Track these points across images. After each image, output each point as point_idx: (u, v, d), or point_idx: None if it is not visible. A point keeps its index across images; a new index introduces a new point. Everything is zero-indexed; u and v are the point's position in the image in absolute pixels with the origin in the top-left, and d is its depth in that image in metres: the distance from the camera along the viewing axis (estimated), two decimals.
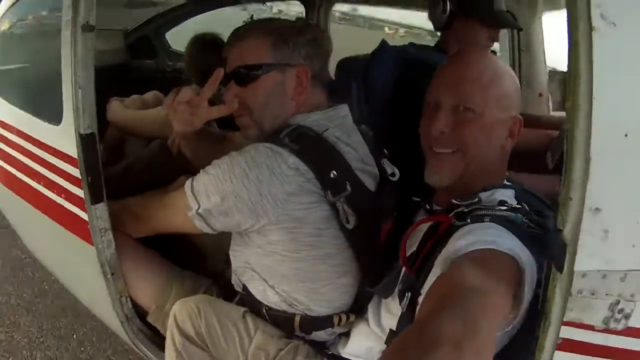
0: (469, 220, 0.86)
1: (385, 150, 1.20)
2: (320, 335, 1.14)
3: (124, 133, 2.06)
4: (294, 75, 1.05)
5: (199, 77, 1.98)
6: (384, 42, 1.58)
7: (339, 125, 1.07)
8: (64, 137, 1.14)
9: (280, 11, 3.01)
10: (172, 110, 1.08)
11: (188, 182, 1.04)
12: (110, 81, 2.32)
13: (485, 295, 0.65)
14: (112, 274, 1.21)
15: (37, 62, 1.38)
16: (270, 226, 1.01)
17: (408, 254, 0.97)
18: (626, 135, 0.60)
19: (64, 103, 1.11)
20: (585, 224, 0.63)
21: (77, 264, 1.30)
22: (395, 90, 1.52)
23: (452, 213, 0.91)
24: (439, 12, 1.46)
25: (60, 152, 1.18)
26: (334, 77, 1.70)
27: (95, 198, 1.14)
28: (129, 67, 2.83)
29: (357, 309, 1.14)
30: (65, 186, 1.20)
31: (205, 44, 1.98)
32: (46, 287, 2.05)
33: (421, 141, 0.99)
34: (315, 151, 1.00)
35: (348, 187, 1.00)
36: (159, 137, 1.80)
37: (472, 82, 0.91)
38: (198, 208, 1.00)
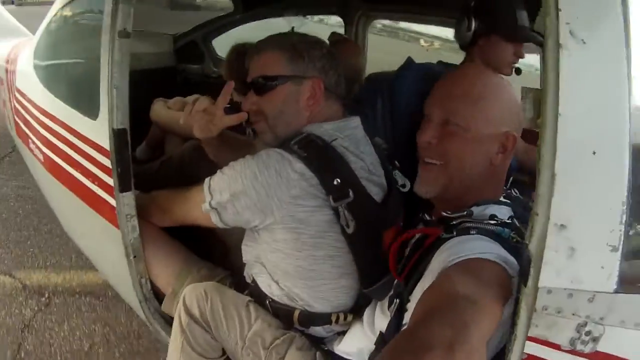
0: (454, 233, 0.88)
1: (396, 162, 1.24)
2: (318, 331, 1.20)
3: (165, 132, 2.23)
4: (308, 87, 1.13)
5: (236, 84, 2.08)
6: (409, 60, 1.61)
7: (349, 136, 1.13)
8: (99, 130, 1.28)
9: (321, 20, 3.09)
10: (191, 118, 1.18)
11: (207, 180, 1.14)
12: (158, 82, 2.52)
13: (475, 302, 0.67)
14: (135, 256, 1.32)
15: (82, 60, 1.54)
16: (275, 225, 1.08)
17: (399, 262, 1.00)
18: (594, 153, 0.59)
19: (100, 100, 1.25)
20: (550, 240, 0.63)
21: (104, 245, 1.43)
22: (419, 106, 1.53)
23: (442, 226, 0.93)
24: (464, 30, 1.47)
25: (96, 143, 1.31)
26: (363, 90, 1.75)
27: (123, 187, 1.27)
28: (177, 70, 3.02)
29: (357, 310, 1.18)
30: (98, 174, 1.34)
31: (244, 53, 2.08)
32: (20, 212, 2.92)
33: (417, 151, 1.03)
34: (321, 159, 1.06)
35: (351, 194, 1.06)
36: (195, 138, 1.94)
37: (460, 97, 0.94)
38: (211, 202, 1.10)
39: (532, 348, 0.68)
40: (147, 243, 1.35)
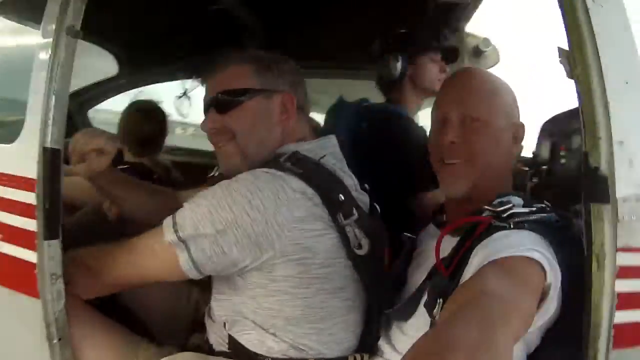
0: (511, 225, 0.84)
1: (366, 185, 1.21)
2: None
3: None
4: (279, 102, 1.02)
5: (135, 145, 1.84)
6: (341, 99, 1.69)
7: (333, 154, 1.05)
8: (17, 156, 0.92)
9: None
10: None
11: (168, 220, 0.91)
12: None
13: (507, 303, 0.65)
14: (60, 339, 0.90)
15: None
16: (274, 260, 0.90)
17: (441, 257, 0.90)
18: (627, 83, 0.78)
19: (26, 113, 0.92)
20: (614, 155, 0.76)
21: (11, 329, 0.93)
22: (357, 141, 1.53)
23: (488, 215, 0.88)
24: (391, 67, 1.57)
25: (9, 175, 0.93)
26: None
27: (50, 232, 0.90)
28: None
29: (368, 349, 1.02)
30: (6, 222, 0.92)
31: (145, 110, 1.89)
32: None
33: (431, 157, 1.02)
34: (319, 175, 0.95)
35: (354, 211, 0.96)
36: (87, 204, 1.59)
37: (476, 93, 0.96)
38: (179, 235, 0.89)
39: (621, 258, 0.75)
40: (73, 321, 0.95)
